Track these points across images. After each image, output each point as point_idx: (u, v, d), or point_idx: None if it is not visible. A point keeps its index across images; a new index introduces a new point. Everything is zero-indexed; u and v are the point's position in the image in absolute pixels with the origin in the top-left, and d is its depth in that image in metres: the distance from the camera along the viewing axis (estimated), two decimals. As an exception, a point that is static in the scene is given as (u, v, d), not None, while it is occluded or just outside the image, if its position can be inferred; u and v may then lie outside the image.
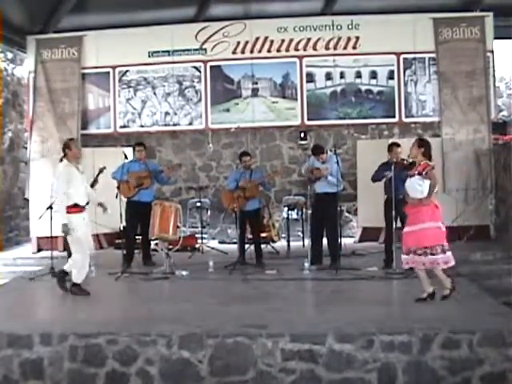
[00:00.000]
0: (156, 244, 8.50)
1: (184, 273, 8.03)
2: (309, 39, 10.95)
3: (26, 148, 11.36)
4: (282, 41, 11.00)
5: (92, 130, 11.43)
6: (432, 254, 6.05)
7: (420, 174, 6.22)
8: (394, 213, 7.76)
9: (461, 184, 10.36)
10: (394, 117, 10.98)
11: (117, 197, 8.42)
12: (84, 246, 6.92)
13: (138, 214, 8.52)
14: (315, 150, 8.50)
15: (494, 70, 10.66)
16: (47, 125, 11.06)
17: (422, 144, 6.44)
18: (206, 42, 11.11)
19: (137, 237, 8.98)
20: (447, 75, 10.59)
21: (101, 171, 8.64)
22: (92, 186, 8.80)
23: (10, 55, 11.26)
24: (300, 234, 10.48)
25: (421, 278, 6.24)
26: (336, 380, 5.03)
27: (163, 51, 11.17)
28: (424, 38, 10.63)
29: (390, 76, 10.90)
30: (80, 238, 6.87)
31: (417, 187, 6.21)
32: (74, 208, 6.87)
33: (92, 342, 5.21)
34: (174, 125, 11.35)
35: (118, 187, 8.52)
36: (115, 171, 8.64)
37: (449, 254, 6.12)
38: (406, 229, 6.28)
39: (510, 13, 10.57)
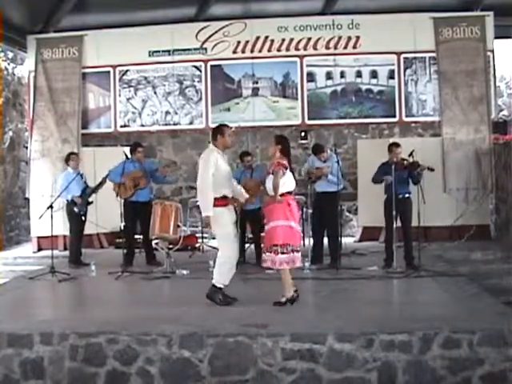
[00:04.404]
0: (156, 243, 8.50)
1: (184, 272, 8.04)
2: (309, 39, 10.94)
3: (27, 147, 11.36)
4: (283, 40, 10.99)
5: (92, 129, 11.43)
6: (283, 253, 5.98)
7: (272, 172, 6.15)
8: (394, 212, 7.78)
9: (461, 183, 10.37)
10: (394, 116, 10.97)
11: (117, 196, 8.44)
12: (233, 243, 6.20)
13: (136, 214, 8.53)
14: (316, 149, 8.52)
15: (494, 70, 10.65)
16: (48, 124, 11.06)
17: (280, 141, 6.28)
18: (206, 41, 11.11)
19: (137, 236, 8.99)
20: (447, 75, 10.58)
21: (104, 181, 8.62)
22: (94, 191, 8.81)
23: (10, 55, 11.27)
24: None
25: (283, 281, 6.14)
26: (336, 379, 5.03)
27: (163, 51, 11.17)
28: (424, 38, 10.62)
29: (391, 75, 10.89)
30: (230, 234, 6.18)
31: (270, 185, 6.13)
32: (223, 200, 6.16)
33: (92, 342, 5.20)
34: (175, 124, 11.35)
35: (117, 187, 8.53)
36: (113, 173, 8.60)
37: (297, 254, 6.07)
38: (265, 227, 6.20)
39: (510, 12, 10.56)
